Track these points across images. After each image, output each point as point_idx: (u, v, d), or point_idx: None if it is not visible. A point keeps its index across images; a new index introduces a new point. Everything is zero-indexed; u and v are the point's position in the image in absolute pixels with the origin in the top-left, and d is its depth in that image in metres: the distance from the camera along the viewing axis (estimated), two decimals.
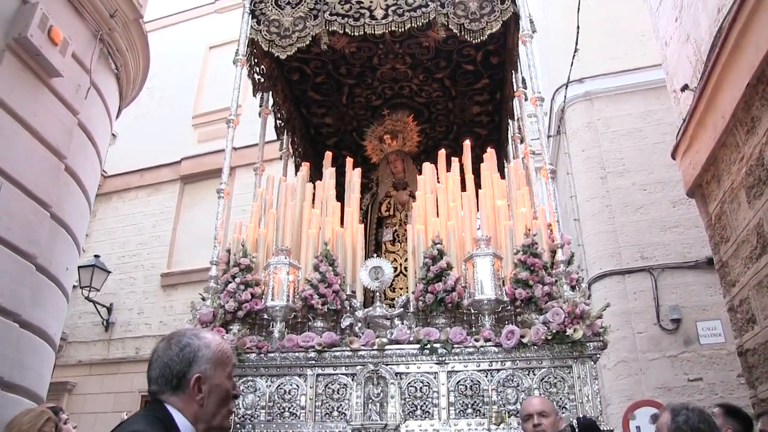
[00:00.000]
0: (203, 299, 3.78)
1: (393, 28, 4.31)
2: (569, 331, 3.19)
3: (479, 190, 4.00)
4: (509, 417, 3.13)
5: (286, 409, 3.41)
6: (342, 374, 3.45)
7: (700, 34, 5.02)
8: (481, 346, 3.32)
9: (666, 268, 6.89)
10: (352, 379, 3.41)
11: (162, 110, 11.58)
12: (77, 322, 9.88)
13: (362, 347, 3.43)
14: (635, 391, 6.51)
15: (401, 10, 4.28)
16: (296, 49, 4.42)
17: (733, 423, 3.12)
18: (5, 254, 4.00)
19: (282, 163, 5.59)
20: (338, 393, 3.42)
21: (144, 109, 11.12)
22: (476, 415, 3.24)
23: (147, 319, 9.71)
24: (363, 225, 4.52)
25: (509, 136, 5.38)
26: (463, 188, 4.07)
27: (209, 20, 12.16)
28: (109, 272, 9.39)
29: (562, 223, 3.87)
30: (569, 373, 3.24)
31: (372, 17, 4.30)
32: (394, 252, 5.18)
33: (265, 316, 3.71)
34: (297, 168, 5.40)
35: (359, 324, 3.59)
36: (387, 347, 3.41)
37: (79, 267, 8.06)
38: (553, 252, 3.60)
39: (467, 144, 4.43)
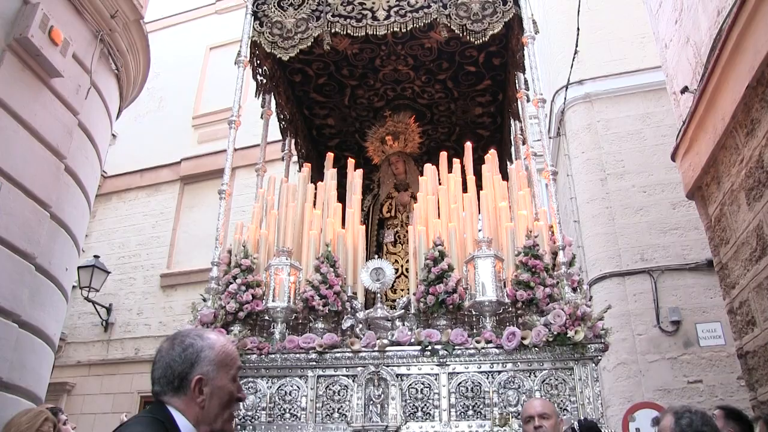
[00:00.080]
0: (204, 300, 3.77)
1: (395, 29, 4.32)
2: (570, 333, 3.19)
3: (480, 192, 4.00)
4: (511, 419, 3.13)
5: (287, 410, 3.41)
6: (343, 376, 3.45)
7: (699, 36, 5.03)
8: (482, 348, 3.32)
9: (666, 269, 6.89)
10: (353, 381, 3.40)
11: (162, 111, 11.57)
12: (76, 322, 9.87)
13: (363, 349, 3.43)
14: (635, 393, 6.51)
15: (403, 11, 4.28)
16: (298, 50, 4.42)
17: (733, 425, 3.12)
18: (4, 254, 4.00)
19: (284, 164, 5.59)
20: (339, 394, 3.42)
21: (144, 110, 11.12)
22: (477, 417, 3.23)
23: (146, 320, 9.70)
24: (364, 226, 4.52)
25: (511, 138, 5.38)
26: (465, 189, 4.06)
27: (209, 21, 12.16)
28: (109, 272, 9.38)
29: (562, 225, 3.86)
30: (570, 375, 3.24)
31: (374, 18, 4.30)
32: (395, 253, 5.18)
33: (266, 317, 3.71)
34: (301, 169, 5.39)
35: (360, 325, 3.59)
36: (388, 349, 3.41)
37: (78, 267, 8.05)
38: (555, 254, 3.60)
39: (468, 145, 4.44)
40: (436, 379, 3.36)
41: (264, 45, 4.46)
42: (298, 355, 3.46)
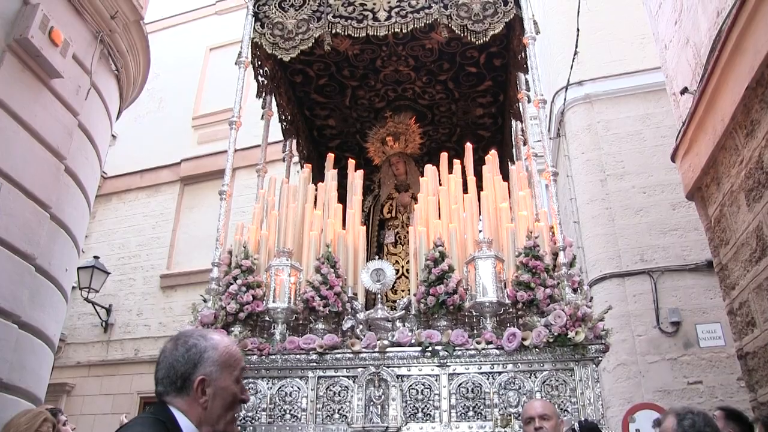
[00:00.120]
0: (205, 301, 3.77)
1: (396, 30, 4.32)
2: (571, 334, 3.18)
3: (481, 193, 3.99)
4: (513, 420, 3.13)
5: (287, 411, 3.41)
6: (343, 376, 3.44)
7: (699, 37, 5.04)
8: (483, 349, 3.31)
9: (666, 270, 6.89)
10: (354, 382, 3.40)
11: (162, 111, 11.58)
12: (76, 323, 9.86)
13: (363, 349, 3.42)
14: (635, 394, 6.51)
15: (404, 12, 4.28)
16: (299, 51, 4.42)
17: (734, 426, 3.12)
18: (4, 255, 4.00)
19: (285, 165, 5.59)
20: (339, 395, 3.41)
21: (144, 111, 11.12)
22: (477, 418, 3.23)
23: (146, 321, 9.69)
24: (365, 227, 4.52)
25: (512, 139, 5.37)
26: (465, 190, 4.06)
27: (209, 22, 12.17)
28: (109, 273, 9.37)
29: (562, 226, 3.86)
30: (571, 375, 3.24)
31: (375, 19, 4.30)
32: (395, 254, 5.17)
33: (267, 318, 3.71)
34: (303, 169, 5.39)
35: (361, 326, 3.59)
36: (388, 349, 3.40)
37: (78, 268, 8.04)
38: (555, 254, 3.60)
39: (469, 146, 4.44)
40: (436, 380, 3.35)
41: (265, 46, 4.46)
42: (298, 356, 3.46)
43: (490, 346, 3.32)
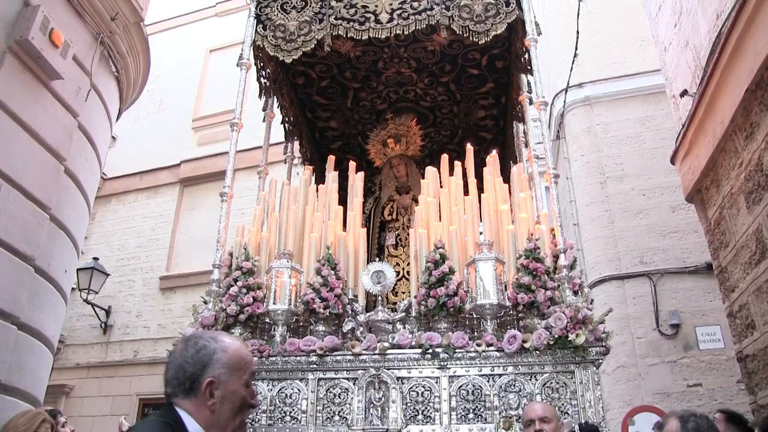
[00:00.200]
0: (205, 302, 3.76)
1: (398, 32, 4.31)
2: (571, 336, 3.18)
3: (482, 195, 3.99)
4: (515, 422, 3.12)
5: (287, 413, 3.40)
6: (343, 378, 3.44)
7: (699, 39, 5.04)
8: (483, 351, 3.31)
9: (665, 273, 6.90)
10: (354, 384, 3.39)
11: (162, 113, 11.58)
12: (75, 324, 9.84)
13: (364, 351, 3.42)
14: (634, 397, 6.51)
15: (406, 14, 4.28)
16: (301, 53, 4.42)
17: (734, 429, 3.12)
18: (4, 256, 3.99)
19: (285, 166, 5.60)
20: (339, 397, 3.40)
21: (144, 112, 11.12)
22: (478, 420, 3.22)
23: (145, 322, 9.68)
24: (366, 229, 4.51)
25: (514, 140, 5.37)
26: (466, 192, 4.06)
27: (210, 23, 12.18)
28: (108, 275, 9.36)
29: (563, 228, 3.86)
30: (571, 378, 3.23)
31: (377, 21, 4.30)
32: (396, 256, 5.17)
33: (267, 320, 3.70)
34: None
35: (361, 328, 3.58)
36: (389, 351, 3.39)
37: (77, 269, 8.03)
38: (556, 257, 3.60)
39: (470, 148, 4.43)
40: (436, 382, 3.34)
41: (267, 48, 4.46)
42: (298, 358, 3.46)
43: (491, 348, 3.31)
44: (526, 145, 5.06)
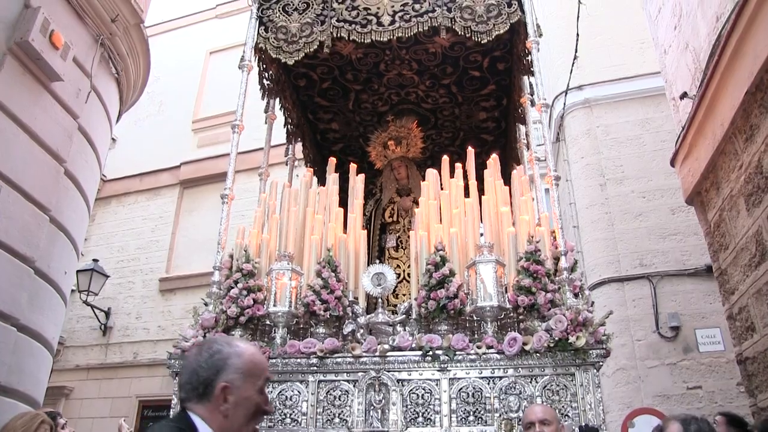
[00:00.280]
0: (206, 304, 3.76)
1: (400, 35, 4.30)
2: (572, 339, 3.18)
3: (482, 197, 4.00)
4: (516, 425, 3.12)
5: (288, 415, 3.40)
6: (344, 381, 3.43)
7: (699, 42, 5.05)
8: (484, 353, 3.30)
9: (665, 275, 6.90)
10: (354, 386, 3.39)
11: (162, 115, 11.58)
12: (75, 326, 9.83)
13: (364, 354, 3.41)
14: (634, 399, 6.50)
15: (408, 16, 4.28)
16: (303, 54, 4.42)
17: None
18: (4, 257, 3.99)
19: (285, 168, 5.60)
20: (340, 399, 3.40)
21: (144, 114, 11.12)
22: (478, 423, 3.22)
23: (145, 324, 9.67)
24: (366, 231, 4.50)
25: (520, 142, 5.37)
26: (467, 194, 4.06)
27: (210, 25, 12.18)
28: (108, 276, 9.36)
29: (563, 230, 3.86)
30: (572, 380, 3.23)
31: (379, 24, 4.30)
32: (397, 258, 5.16)
33: (267, 322, 3.70)
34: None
35: (361, 330, 3.58)
36: (389, 354, 3.39)
37: (77, 271, 8.03)
38: (556, 259, 3.60)
39: (471, 150, 4.43)
40: (437, 385, 3.34)
41: (269, 50, 4.46)
42: (299, 360, 3.45)
43: (491, 350, 3.31)
44: (528, 147, 5.06)
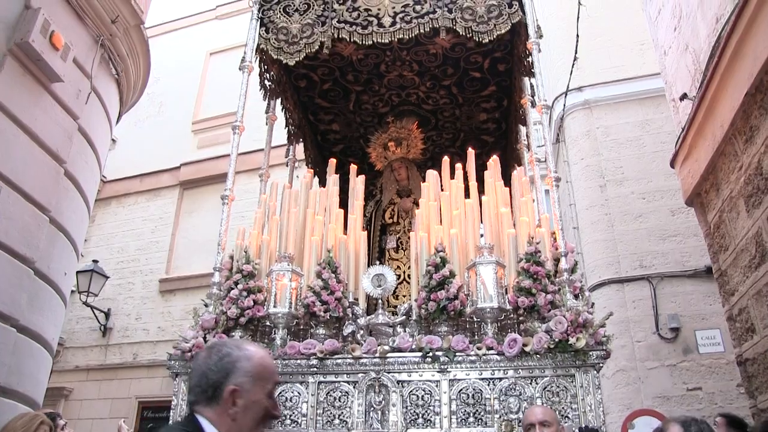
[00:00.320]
0: (206, 305, 3.76)
1: (401, 36, 4.30)
2: (572, 340, 3.17)
3: (482, 198, 3.99)
4: (516, 426, 3.12)
5: (287, 416, 3.39)
6: (344, 382, 3.43)
7: (698, 43, 5.06)
8: (484, 355, 3.30)
9: (665, 276, 6.91)
10: (354, 387, 3.39)
11: (162, 116, 11.58)
12: (75, 327, 9.83)
13: (364, 355, 3.41)
14: (634, 400, 6.50)
15: (409, 17, 4.27)
16: (303, 55, 4.41)
17: None
18: (3, 258, 3.99)
19: (284, 169, 5.60)
20: (340, 401, 3.40)
21: (144, 115, 11.12)
22: (478, 424, 3.22)
23: (145, 325, 9.67)
24: (366, 232, 4.50)
25: (520, 143, 5.37)
26: (467, 196, 4.06)
27: (210, 26, 12.19)
28: (108, 277, 9.36)
29: (563, 231, 3.86)
30: (572, 382, 3.22)
31: (380, 25, 4.30)
32: (397, 259, 5.16)
33: (268, 323, 3.70)
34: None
35: (361, 331, 3.58)
36: (389, 355, 3.39)
37: (77, 272, 8.03)
38: (557, 260, 3.60)
39: (471, 152, 4.43)
40: (437, 386, 3.33)
41: (269, 51, 4.46)
42: (299, 361, 3.45)
43: (491, 351, 3.30)
44: (528, 148, 5.07)
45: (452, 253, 3.70)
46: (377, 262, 4.74)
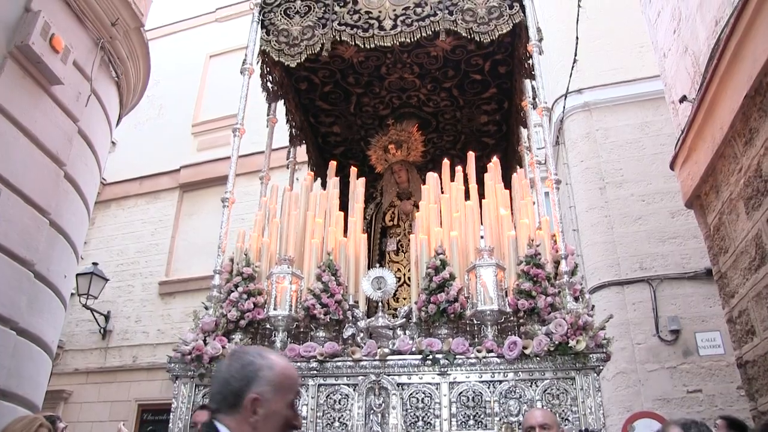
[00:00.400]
0: (206, 308, 3.76)
1: (402, 39, 4.30)
2: (572, 343, 3.17)
3: (482, 200, 3.99)
4: (516, 429, 3.11)
5: None
6: (343, 384, 3.43)
7: (698, 45, 5.06)
8: (484, 357, 3.30)
9: (665, 278, 6.90)
10: (354, 390, 3.39)
11: (162, 118, 11.58)
12: (74, 329, 9.82)
13: (364, 357, 3.41)
14: (634, 403, 6.50)
15: (410, 20, 4.28)
16: (304, 57, 4.41)
17: None
18: (3, 261, 3.99)
19: (285, 172, 5.60)
20: (340, 403, 3.40)
21: (144, 117, 11.12)
22: (478, 427, 3.21)
23: (144, 328, 9.65)
24: (367, 235, 4.50)
25: (518, 146, 5.37)
26: (468, 198, 4.06)
27: (210, 29, 12.20)
28: (107, 280, 9.35)
29: (563, 234, 3.86)
30: (572, 384, 3.22)
31: (381, 28, 4.30)
32: (397, 262, 5.15)
33: (268, 326, 3.70)
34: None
35: (361, 334, 3.58)
36: (389, 358, 3.39)
37: (77, 274, 8.02)
38: (557, 263, 3.60)
39: (471, 155, 4.43)
40: (437, 389, 3.33)
41: (270, 53, 4.47)
42: (298, 364, 3.44)
43: (491, 354, 3.30)
44: (529, 150, 5.07)
45: (452, 255, 3.70)
46: (377, 265, 4.74)
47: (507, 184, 4.28)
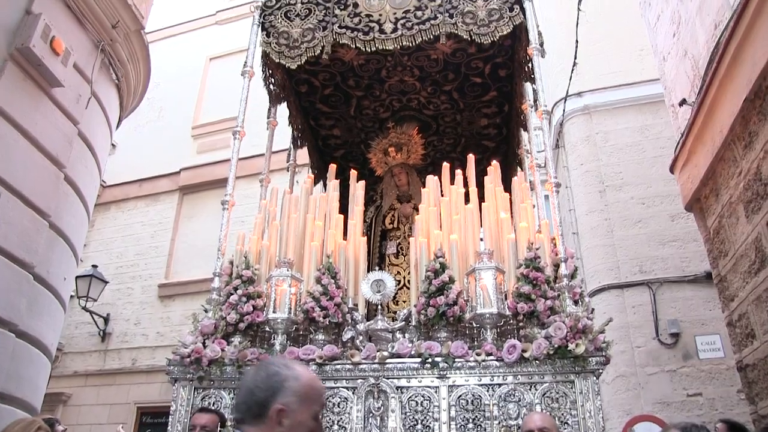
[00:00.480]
0: (205, 310, 3.76)
1: (403, 43, 4.30)
2: (571, 346, 3.16)
3: (482, 203, 3.99)
4: None
5: None
6: (342, 388, 3.42)
7: (697, 49, 5.07)
8: (483, 361, 3.29)
9: (665, 282, 6.90)
10: (353, 393, 3.38)
11: (162, 121, 11.60)
12: (74, 332, 9.81)
13: (363, 361, 3.40)
14: (634, 406, 6.49)
15: (410, 24, 4.28)
16: (305, 59, 4.41)
17: None
18: (3, 263, 3.99)
19: (288, 175, 5.61)
20: (339, 406, 3.38)
21: (144, 120, 11.14)
22: (477, 430, 3.20)
23: (144, 330, 9.64)
24: (366, 238, 4.50)
25: (518, 149, 5.37)
26: (467, 201, 4.06)
27: (210, 32, 12.23)
28: (107, 282, 9.34)
29: (563, 237, 3.85)
30: (571, 388, 3.21)
31: (381, 31, 4.30)
32: (397, 265, 5.15)
33: (267, 329, 3.69)
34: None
35: (360, 337, 3.57)
36: (388, 361, 3.38)
37: (76, 277, 8.01)
38: (556, 266, 3.60)
39: (471, 157, 4.44)
40: (436, 392, 3.32)
41: (271, 55, 4.48)
42: None
43: (490, 357, 3.29)
44: (529, 153, 5.07)
45: (452, 258, 3.69)
46: (377, 268, 4.74)
47: (507, 187, 4.28)
